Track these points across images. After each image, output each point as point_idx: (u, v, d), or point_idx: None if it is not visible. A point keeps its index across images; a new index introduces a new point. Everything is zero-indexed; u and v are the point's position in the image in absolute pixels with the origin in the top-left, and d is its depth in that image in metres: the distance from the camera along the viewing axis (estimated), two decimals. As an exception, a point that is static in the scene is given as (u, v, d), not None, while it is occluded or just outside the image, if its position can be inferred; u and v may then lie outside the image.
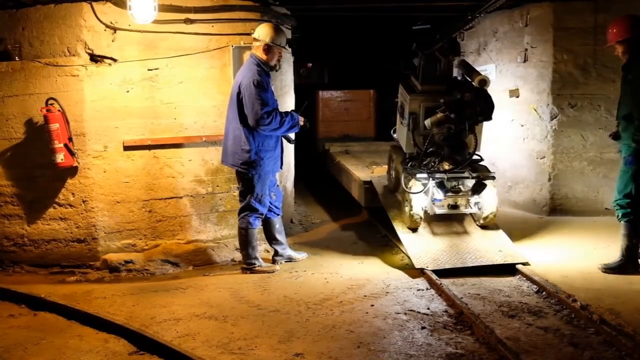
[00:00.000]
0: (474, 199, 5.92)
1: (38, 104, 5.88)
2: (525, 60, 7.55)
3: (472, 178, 5.83)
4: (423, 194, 5.87)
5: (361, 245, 6.74)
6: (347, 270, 5.75)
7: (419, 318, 4.51)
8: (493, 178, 5.94)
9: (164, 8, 5.87)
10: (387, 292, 5.08)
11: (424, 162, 6.05)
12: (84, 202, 6.03)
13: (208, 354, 3.97)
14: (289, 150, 7.24)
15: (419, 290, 5.13)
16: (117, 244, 6.12)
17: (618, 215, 5.34)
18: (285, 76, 7.40)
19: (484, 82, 5.64)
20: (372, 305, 4.77)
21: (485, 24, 8.27)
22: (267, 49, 5.57)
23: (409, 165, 6.17)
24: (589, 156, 7.31)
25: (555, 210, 7.42)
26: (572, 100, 7.27)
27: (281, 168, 5.97)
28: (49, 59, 5.92)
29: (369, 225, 7.48)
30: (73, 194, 6.04)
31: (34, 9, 5.92)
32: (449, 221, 6.19)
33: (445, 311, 4.64)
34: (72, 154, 5.87)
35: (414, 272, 5.53)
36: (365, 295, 5.00)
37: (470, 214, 6.20)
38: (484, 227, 6.08)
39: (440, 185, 5.78)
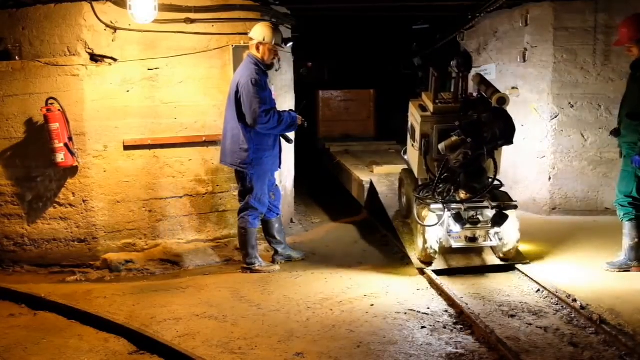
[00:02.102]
0: (494, 230, 5.40)
1: (38, 104, 5.88)
2: (525, 60, 7.55)
3: (492, 208, 5.32)
4: (438, 226, 5.34)
5: (361, 245, 6.74)
6: (347, 270, 5.74)
7: (419, 318, 4.51)
8: (515, 207, 5.40)
9: (164, 8, 5.87)
10: (387, 292, 5.08)
11: (438, 190, 5.46)
12: (84, 201, 6.03)
13: (208, 353, 3.97)
14: (289, 150, 7.24)
15: (419, 289, 5.13)
16: (118, 243, 6.12)
17: (620, 215, 5.33)
18: (285, 76, 7.41)
19: (503, 100, 5.14)
20: (372, 305, 4.77)
21: (485, 24, 8.27)
22: (262, 47, 5.57)
23: (421, 193, 5.62)
24: (589, 156, 7.31)
25: (555, 209, 7.42)
26: (572, 100, 7.27)
27: (280, 167, 5.97)
28: (49, 59, 5.92)
29: (369, 225, 7.47)
30: (73, 193, 6.04)
31: (34, 8, 5.93)
32: (466, 252, 5.66)
33: (446, 311, 4.64)
34: (72, 153, 5.87)
35: (414, 271, 5.53)
36: (365, 295, 5.00)
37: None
38: (504, 260, 5.53)
39: (457, 217, 5.26)
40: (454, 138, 5.23)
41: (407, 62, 11.10)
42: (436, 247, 5.37)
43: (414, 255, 5.67)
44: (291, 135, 6.26)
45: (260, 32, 5.57)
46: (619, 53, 6.84)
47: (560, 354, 3.91)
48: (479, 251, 5.68)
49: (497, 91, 5.28)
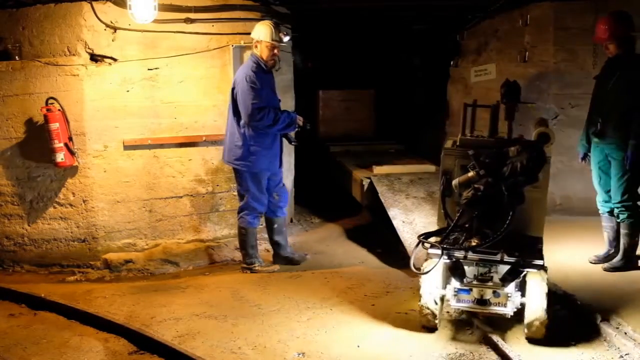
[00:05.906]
0: (514, 295, 4.18)
1: (38, 104, 5.88)
2: (525, 60, 7.54)
3: (503, 263, 4.11)
4: (440, 280, 4.32)
5: (361, 245, 6.74)
6: (347, 270, 5.75)
7: (419, 317, 4.50)
8: (539, 267, 4.10)
9: (164, 7, 5.88)
10: (387, 292, 5.08)
11: (452, 237, 4.36)
12: (84, 201, 6.04)
13: (208, 353, 3.97)
14: (290, 150, 7.24)
15: (419, 289, 5.12)
16: (118, 243, 6.12)
17: (618, 216, 5.33)
18: (285, 76, 7.40)
19: (546, 138, 4.32)
20: (373, 305, 4.77)
21: (485, 24, 8.27)
22: (260, 45, 5.60)
23: (425, 238, 4.43)
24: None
25: (556, 210, 7.41)
26: (572, 100, 7.25)
27: (280, 167, 5.96)
28: (49, 59, 5.92)
29: (369, 225, 7.48)
30: (73, 193, 6.04)
31: (34, 8, 5.92)
32: (488, 324, 4.42)
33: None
34: (72, 153, 5.87)
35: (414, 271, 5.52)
36: (365, 295, 5.00)
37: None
38: (531, 340, 4.15)
39: (455, 267, 4.19)
40: (470, 173, 4.33)
41: (407, 62, 11.08)
42: (433, 306, 4.27)
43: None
44: (293, 135, 6.24)
45: (257, 30, 5.62)
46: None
47: (560, 353, 3.91)
48: (506, 325, 4.38)
49: (542, 126, 4.45)
